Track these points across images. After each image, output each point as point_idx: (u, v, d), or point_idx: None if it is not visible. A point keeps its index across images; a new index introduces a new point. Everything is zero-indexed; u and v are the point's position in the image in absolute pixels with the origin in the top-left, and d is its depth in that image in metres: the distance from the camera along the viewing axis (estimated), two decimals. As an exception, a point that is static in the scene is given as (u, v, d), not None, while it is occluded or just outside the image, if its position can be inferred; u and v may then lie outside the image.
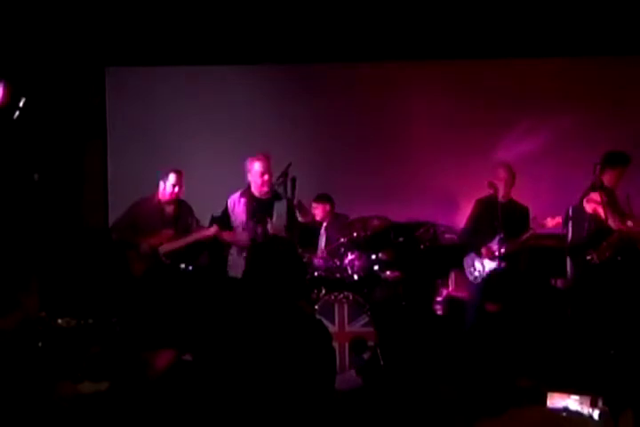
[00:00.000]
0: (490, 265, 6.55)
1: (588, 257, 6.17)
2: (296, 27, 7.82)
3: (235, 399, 3.36)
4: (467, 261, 6.73)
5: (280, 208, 6.10)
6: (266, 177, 6.08)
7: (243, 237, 6.06)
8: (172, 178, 6.37)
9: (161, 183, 6.41)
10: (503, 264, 6.47)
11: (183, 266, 6.86)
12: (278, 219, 6.08)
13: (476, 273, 6.61)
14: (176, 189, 6.39)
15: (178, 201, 6.48)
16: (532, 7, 7.64)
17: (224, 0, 7.70)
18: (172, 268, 6.46)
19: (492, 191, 6.54)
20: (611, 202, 6.18)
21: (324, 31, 7.85)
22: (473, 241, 6.69)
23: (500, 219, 6.40)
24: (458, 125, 8.00)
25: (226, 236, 6.17)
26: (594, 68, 7.96)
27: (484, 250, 6.55)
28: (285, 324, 3.41)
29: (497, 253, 6.47)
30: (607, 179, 6.26)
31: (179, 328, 6.21)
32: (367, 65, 8.10)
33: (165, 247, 6.34)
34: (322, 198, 7.18)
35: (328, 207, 7.14)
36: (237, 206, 6.18)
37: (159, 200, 6.45)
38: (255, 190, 6.15)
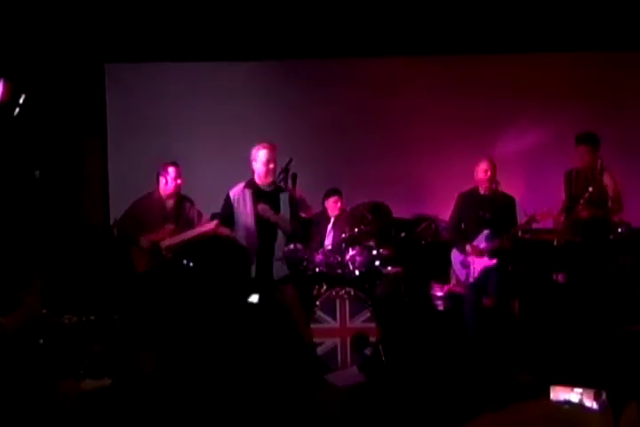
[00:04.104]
0: (479, 263, 6.47)
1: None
2: (297, 23, 7.82)
3: (225, 392, 3.37)
4: (454, 260, 6.66)
5: (284, 200, 5.87)
6: (271, 166, 5.84)
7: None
8: (172, 172, 6.37)
9: (161, 179, 6.40)
10: (493, 262, 6.43)
11: (185, 262, 6.87)
12: (284, 212, 5.86)
13: (465, 272, 6.53)
14: (178, 181, 6.40)
15: (178, 195, 6.47)
16: (532, 2, 7.64)
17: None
18: (174, 263, 6.47)
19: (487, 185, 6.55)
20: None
21: (325, 27, 7.84)
22: (457, 238, 6.65)
23: (484, 212, 6.42)
24: (459, 120, 8.00)
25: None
26: (594, 63, 7.96)
27: (468, 248, 6.48)
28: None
29: (484, 251, 6.42)
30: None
31: (181, 325, 6.22)
32: (369, 60, 8.09)
33: (167, 242, 6.35)
34: (336, 192, 7.16)
35: (341, 203, 7.13)
36: (242, 199, 5.90)
37: (160, 196, 6.45)
38: (259, 181, 5.90)
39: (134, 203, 6.56)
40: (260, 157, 5.85)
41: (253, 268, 5.75)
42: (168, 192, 6.42)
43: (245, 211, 5.86)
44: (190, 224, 6.42)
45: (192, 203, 6.56)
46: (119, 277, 6.53)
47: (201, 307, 6.56)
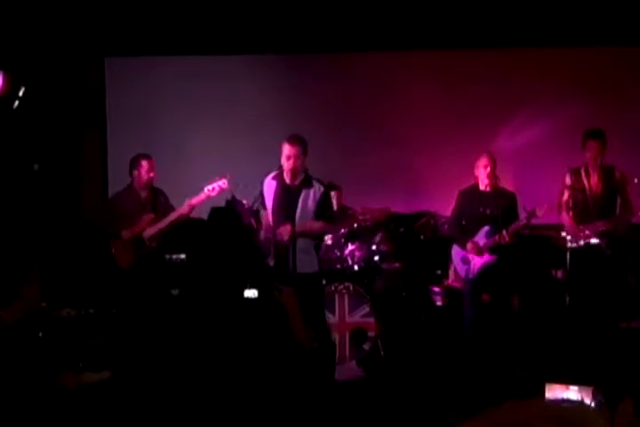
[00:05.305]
0: (479, 260, 6.45)
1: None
2: (297, 16, 7.78)
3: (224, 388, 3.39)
4: (455, 256, 6.63)
5: (307, 197, 5.59)
6: (291, 162, 5.53)
7: (283, 231, 5.51)
8: (145, 165, 6.46)
9: (135, 172, 6.49)
10: (493, 258, 6.39)
11: (183, 256, 6.87)
12: (303, 209, 5.58)
13: (466, 268, 6.49)
14: (151, 174, 6.48)
15: (152, 187, 6.56)
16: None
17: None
18: (158, 253, 6.50)
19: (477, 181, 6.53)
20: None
21: (325, 21, 7.81)
22: (458, 234, 6.61)
23: (484, 208, 6.40)
24: (459, 116, 7.97)
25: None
26: (594, 58, 7.94)
27: (469, 245, 6.43)
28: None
29: (484, 248, 6.39)
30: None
31: (171, 317, 6.23)
32: (369, 55, 8.06)
33: (148, 232, 6.39)
34: (334, 188, 7.08)
35: (338, 196, 7.06)
36: (268, 190, 5.68)
37: (134, 187, 6.54)
38: (284, 175, 5.65)
39: (110, 198, 6.71)
40: (283, 151, 5.60)
41: (272, 261, 5.61)
42: (141, 184, 6.50)
43: (268, 203, 5.68)
44: (166, 214, 6.46)
45: (166, 197, 6.62)
46: (117, 271, 6.54)
47: (187, 299, 6.58)
